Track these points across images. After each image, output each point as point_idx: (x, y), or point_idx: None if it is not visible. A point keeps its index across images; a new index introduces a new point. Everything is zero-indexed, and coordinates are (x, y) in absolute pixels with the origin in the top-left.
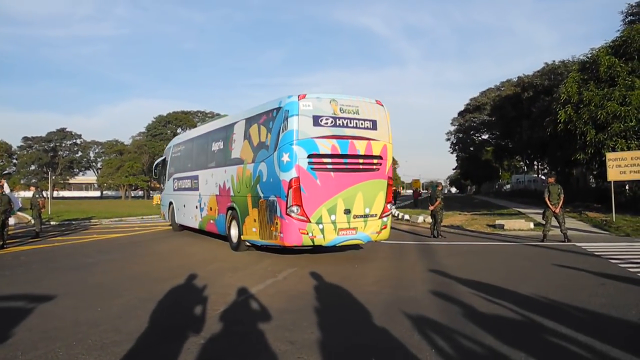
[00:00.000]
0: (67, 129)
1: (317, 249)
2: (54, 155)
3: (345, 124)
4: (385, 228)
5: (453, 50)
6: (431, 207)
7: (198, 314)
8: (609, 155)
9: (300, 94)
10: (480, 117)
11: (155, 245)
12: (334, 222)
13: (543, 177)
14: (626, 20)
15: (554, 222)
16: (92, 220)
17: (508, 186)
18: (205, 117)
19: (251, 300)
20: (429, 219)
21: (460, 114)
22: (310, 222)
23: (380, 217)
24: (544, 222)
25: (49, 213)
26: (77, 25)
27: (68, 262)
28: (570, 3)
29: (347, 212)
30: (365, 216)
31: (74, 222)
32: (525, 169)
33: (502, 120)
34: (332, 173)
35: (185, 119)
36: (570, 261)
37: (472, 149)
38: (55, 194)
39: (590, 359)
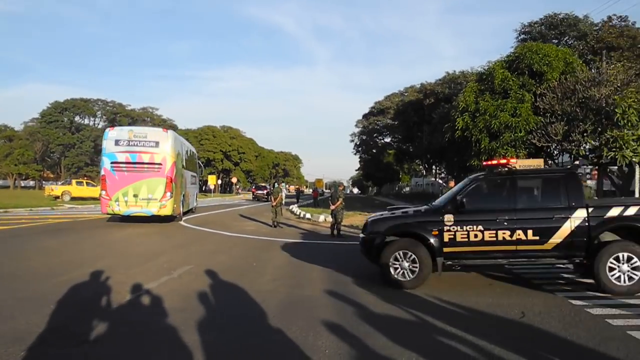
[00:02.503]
0: None
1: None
2: None
3: (135, 144)
4: (164, 207)
5: (361, 54)
6: (332, 207)
7: (84, 314)
8: None
9: (111, 126)
10: (383, 121)
11: (43, 240)
12: (126, 202)
13: (440, 181)
14: (519, 38)
15: None
16: None
17: (407, 189)
18: (106, 106)
19: (143, 299)
20: (330, 218)
21: (365, 116)
22: (111, 200)
23: (160, 201)
24: None
25: None
26: None
27: None
28: (471, 18)
29: (135, 196)
30: (149, 199)
31: None
32: (424, 173)
33: (404, 125)
34: (125, 172)
35: (85, 107)
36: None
37: (374, 151)
38: None
39: (477, 357)
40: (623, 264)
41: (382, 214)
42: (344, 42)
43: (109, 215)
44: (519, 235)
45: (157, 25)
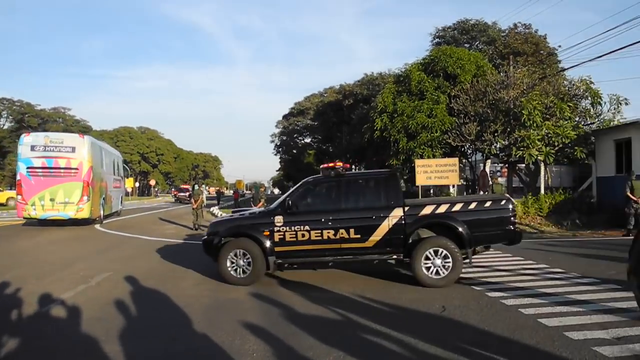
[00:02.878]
0: None
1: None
2: None
3: (52, 149)
4: (81, 210)
5: (280, 55)
6: (254, 208)
7: None
8: (418, 162)
9: (27, 132)
10: (303, 121)
11: None
12: (42, 206)
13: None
14: (434, 41)
15: None
16: None
17: None
18: (13, 105)
19: (58, 310)
20: None
21: (285, 117)
22: (27, 204)
23: (77, 204)
24: None
25: None
26: None
27: None
28: (388, 21)
29: (52, 200)
30: (65, 203)
31: None
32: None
33: (324, 125)
34: (42, 177)
35: None
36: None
37: (295, 151)
38: None
39: (402, 353)
40: (436, 258)
41: (223, 217)
42: (263, 42)
43: (24, 220)
44: (342, 234)
45: (68, 20)
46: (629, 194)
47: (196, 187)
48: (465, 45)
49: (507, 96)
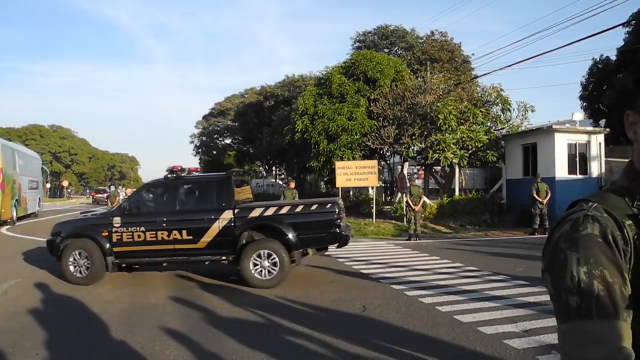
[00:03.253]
0: None
1: None
2: None
3: None
4: None
5: (201, 54)
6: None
7: None
8: (338, 164)
9: None
10: (224, 122)
11: None
12: None
13: (281, 182)
14: (354, 45)
15: None
16: None
17: None
18: None
19: None
20: None
21: (205, 117)
22: None
23: None
24: None
25: None
26: None
27: None
28: (310, 24)
29: None
30: None
31: None
32: (265, 174)
33: (245, 127)
34: None
35: None
36: (303, 262)
37: (215, 152)
38: None
39: (324, 353)
40: (264, 260)
41: (68, 219)
42: (183, 41)
43: None
44: (175, 235)
45: None
46: (535, 195)
47: (112, 188)
48: (385, 50)
49: (424, 101)
